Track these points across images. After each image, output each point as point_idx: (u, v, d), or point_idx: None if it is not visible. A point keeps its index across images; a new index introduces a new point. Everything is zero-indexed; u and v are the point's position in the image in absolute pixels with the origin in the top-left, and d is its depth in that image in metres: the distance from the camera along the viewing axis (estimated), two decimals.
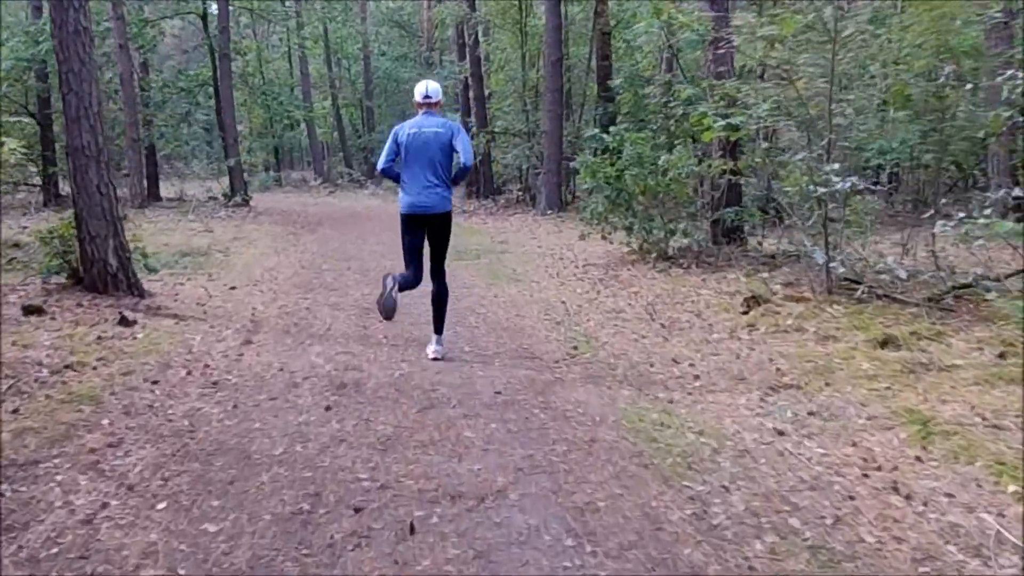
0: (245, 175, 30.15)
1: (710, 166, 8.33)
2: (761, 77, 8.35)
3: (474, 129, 17.76)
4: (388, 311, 4.77)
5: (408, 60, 31.45)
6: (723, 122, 7.47)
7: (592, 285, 7.58)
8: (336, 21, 25.85)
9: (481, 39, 18.54)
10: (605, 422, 3.87)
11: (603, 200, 8.54)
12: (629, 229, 8.56)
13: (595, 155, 9.49)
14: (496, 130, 17.81)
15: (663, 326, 5.80)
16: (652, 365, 4.85)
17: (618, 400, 4.21)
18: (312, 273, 8.80)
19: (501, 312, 6.50)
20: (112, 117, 17.03)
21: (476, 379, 4.57)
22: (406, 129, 4.78)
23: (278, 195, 25.37)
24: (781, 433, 3.65)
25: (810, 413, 3.90)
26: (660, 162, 8.00)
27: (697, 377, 4.57)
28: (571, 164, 8.95)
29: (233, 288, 7.44)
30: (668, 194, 8.56)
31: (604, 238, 8.92)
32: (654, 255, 8.47)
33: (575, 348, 5.29)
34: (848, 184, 5.89)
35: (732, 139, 8.18)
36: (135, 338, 5.28)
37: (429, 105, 4.84)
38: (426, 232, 4.90)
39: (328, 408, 4.07)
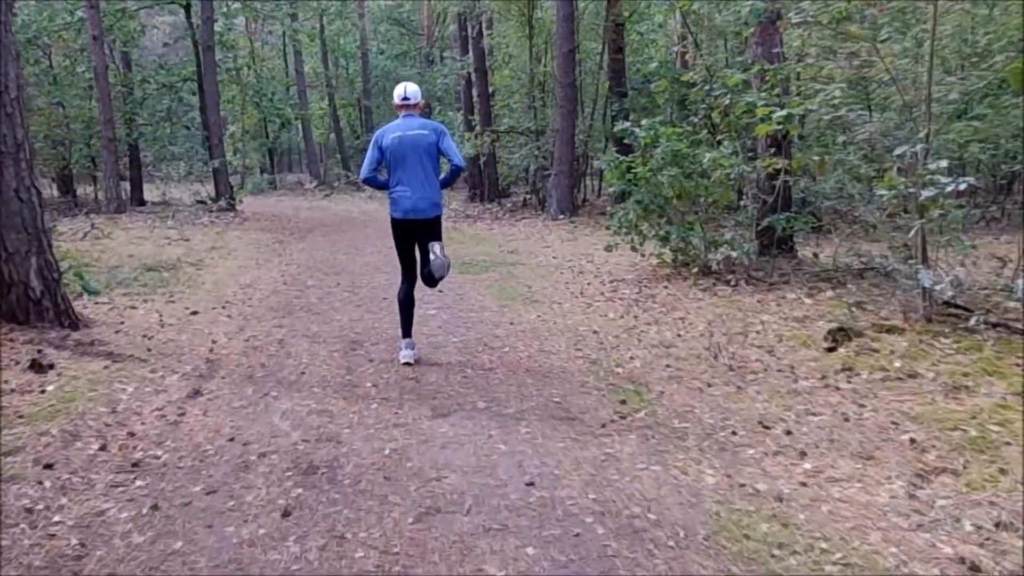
0: (237, 177, 29.19)
1: (757, 166, 7.09)
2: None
3: (478, 128, 16.51)
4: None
5: (408, 58, 30.24)
6: (782, 112, 6.22)
7: (626, 308, 6.32)
8: (330, 13, 24.56)
9: (485, 32, 17.29)
10: (694, 540, 2.61)
11: (634, 206, 7.27)
12: (664, 239, 7.30)
13: (624, 153, 8.25)
14: (501, 129, 16.54)
15: (731, 368, 4.54)
16: (734, 432, 3.59)
17: (702, 495, 2.95)
18: (294, 291, 7.54)
19: (521, 346, 5.23)
20: (88, 115, 15.81)
21: (498, 458, 3.30)
22: (388, 135, 4.60)
23: (271, 199, 24.17)
24: (975, 569, 2.39)
25: (997, 524, 2.65)
26: (705, 161, 6.74)
27: (803, 454, 3.31)
28: (594, 163, 7.62)
29: (195, 313, 6.18)
30: (709, 198, 7.31)
31: (635, 249, 7.66)
32: (695, 270, 7.21)
33: (623, 402, 4.03)
34: (963, 185, 4.63)
35: (786, 133, 6.95)
36: (44, 391, 4.02)
37: (409, 107, 4.68)
38: (417, 233, 4.74)
39: (286, 514, 2.80)
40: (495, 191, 17.32)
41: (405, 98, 4.69)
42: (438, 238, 4.72)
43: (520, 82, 17.33)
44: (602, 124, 16.90)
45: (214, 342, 5.26)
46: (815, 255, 7.71)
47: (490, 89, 17.45)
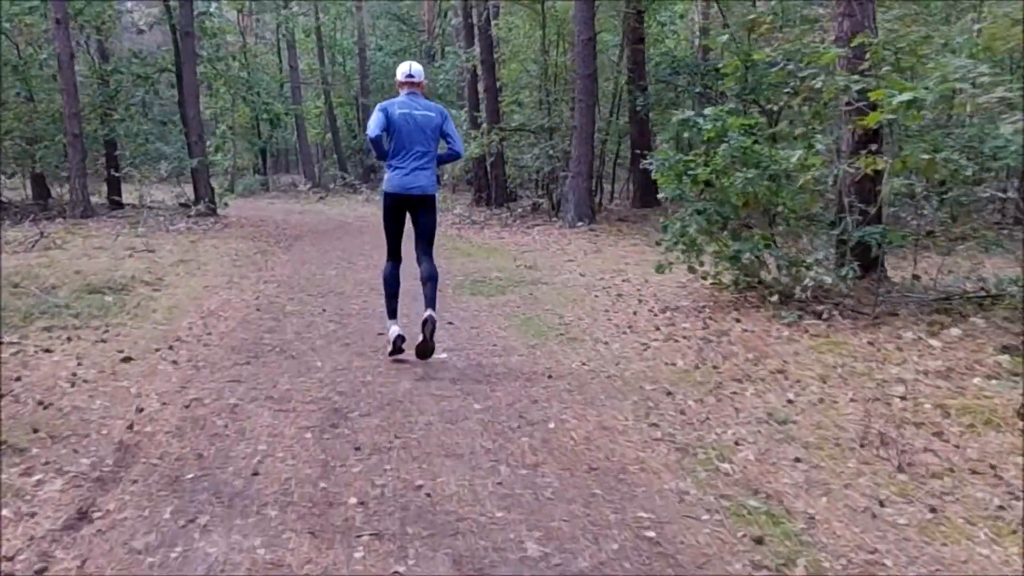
0: (227, 178, 27.69)
1: (848, 167, 5.60)
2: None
3: (484, 125, 15.02)
4: (397, 348, 4.69)
5: (407, 55, 28.72)
6: (904, 97, 4.74)
7: (697, 352, 4.81)
8: (326, 7, 23.07)
9: (493, 21, 15.80)
10: None
11: (695, 217, 5.77)
12: (734, 259, 5.80)
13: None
14: (512, 127, 15.05)
15: (899, 468, 3.03)
16: None
17: None
18: (268, 320, 6.05)
19: (571, 419, 3.72)
20: (56, 110, 14.28)
21: None
22: (397, 108, 4.58)
23: (261, 201, 22.69)
24: None
25: None
26: (793, 160, 5.25)
27: None
28: (645, 160, 6.13)
29: (127, 359, 4.65)
30: (789, 206, 5.83)
31: (693, 270, 6.17)
32: (773, 298, 5.72)
33: (758, 541, 2.52)
34: None
35: (888, 125, 5.47)
36: None
37: (413, 84, 4.70)
38: (410, 215, 4.78)
39: None
40: (503, 194, 15.82)
41: (410, 75, 4.69)
42: (433, 219, 4.79)
43: (531, 75, 15.84)
44: (616, 121, 15.43)
45: (139, 411, 3.74)
46: (914, 277, 6.22)
47: (498, 84, 15.96)
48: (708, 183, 5.97)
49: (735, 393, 4.01)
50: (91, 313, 5.82)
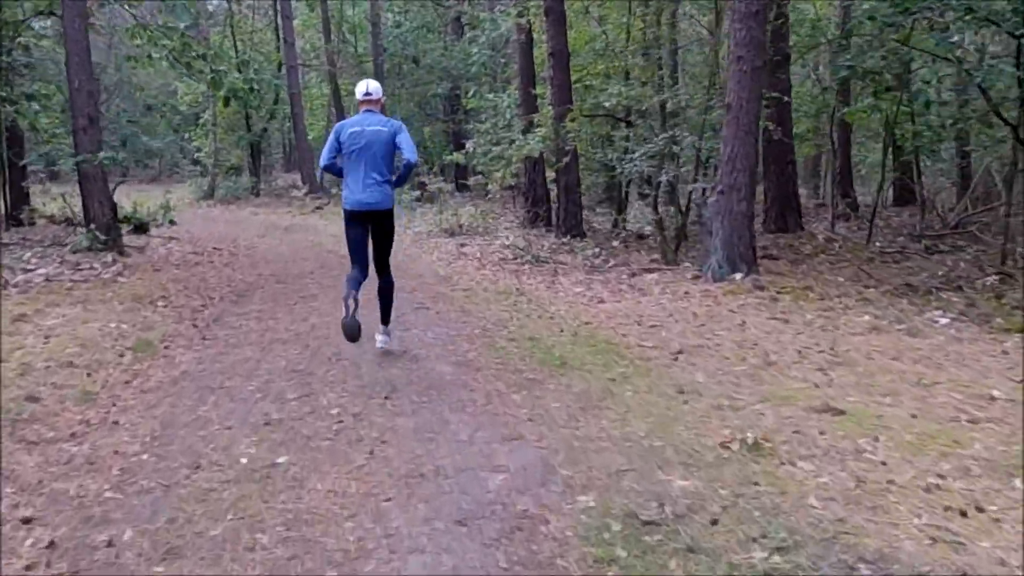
0: (209, 180, 22.44)
1: None
2: None
3: (547, 110, 9.80)
4: (352, 334, 4.53)
5: (430, 33, 23.51)
6: None
7: None
8: None
9: None
10: None
11: None
12: None
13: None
14: (596, 108, 9.78)
15: None
16: None
17: None
18: None
19: None
20: None
21: None
22: (348, 127, 4.76)
23: (243, 211, 17.67)
24: None
25: None
26: None
27: None
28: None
29: None
30: None
31: None
32: None
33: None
34: None
35: None
36: None
37: (370, 103, 4.85)
38: (370, 225, 4.80)
39: None
40: (575, 219, 10.47)
41: (368, 94, 4.85)
42: (391, 233, 4.89)
43: (618, 32, 10.60)
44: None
45: None
46: None
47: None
48: None
49: None
50: None
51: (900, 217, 13.17)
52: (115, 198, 11.67)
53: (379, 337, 4.93)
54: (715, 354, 4.81)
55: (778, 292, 6.60)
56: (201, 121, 22.86)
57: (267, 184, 23.54)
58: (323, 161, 4.80)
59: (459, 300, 6.69)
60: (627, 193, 10.51)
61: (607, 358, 4.75)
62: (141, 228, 11.19)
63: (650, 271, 7.83)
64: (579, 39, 11.76)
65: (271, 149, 29.84)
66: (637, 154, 8.03)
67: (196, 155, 24.18)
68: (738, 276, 6.90)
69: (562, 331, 5.51)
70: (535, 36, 11.67)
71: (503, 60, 17.90)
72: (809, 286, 6.87)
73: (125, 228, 11.26)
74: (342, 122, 4.87)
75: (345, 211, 4.78)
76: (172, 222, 11.54)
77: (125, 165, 36.49)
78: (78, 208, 9.17)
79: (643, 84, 9.16)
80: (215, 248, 10.28)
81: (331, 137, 4.79)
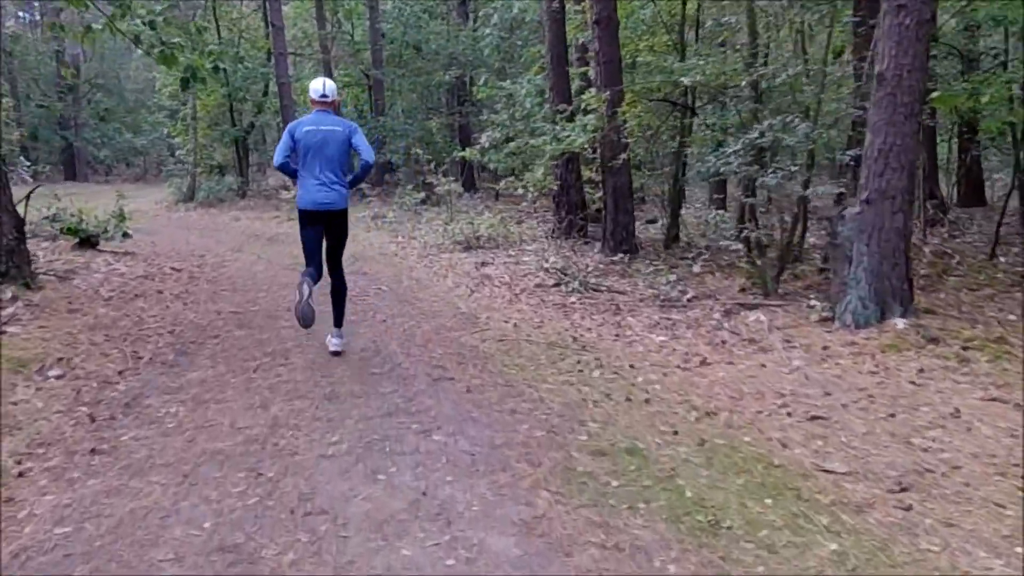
0: (189, 181, 20.17)
1: None
2: None
3: (592, 94, 7.69)
4: (306, 320, 4.43)
5: (432, 18, 21.33)
6: None
7: None
8: None
9: None
10: None
11: None
12: None
13: None
14: (658, 88, 7.62)
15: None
16: None
17: None
18: None
19: None
20: None
21: None
22: (303, 126, 4.67)
23: (224, 216, 15.53)
24: None
25: None
26: None
27: None
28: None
29: None
30: None
31: None
32: None
33: None
34: None
35: None
36: None
37: (325, 104, 4.76)
38: (324, 225, 4.71)
39: None
40: (626, 230, 8.29)
41: (323, 95, 4.73)
42: (344, 233, 4.80)
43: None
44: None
45: None
46: None
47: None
48: None
49: None
50: None
51: (975, 220, 11.26)
52: (64, 205, 9.70)
53: (332, 340, 4.86)
54: (954, 484, 2.72)
55: (963, 347, 4.50)
56: (181, 115, 20.70)
57: (255, 185, 21.42)
58: (277, 160, 4.71)
59: (496, 361, 4.60)
60: (666, 201, 8.38)
61: (783, 508, 2.66)
62: (87, 242, 9.11)
63: (748, 306, 5.72)
64: (622, 7, 9.64)
65: (264, 146, 27.65)
66: (731, 149, 5.87)
67: (178, 152, 22.05)
68: (895, 321, 4.80)
69: (676, 432, 3.42)
70: (566, 5, 9.56)
71: (519, 43, 15.76)
72: (1000, 335, 4.75)
73: (68, 242, 9.24)
74: (296, 121, 4.79)
75: (300, 211, 4.72)
76: (126, 235, 9.43)
77: (108, 164, 34.49)
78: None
79: (736, 51, 6.98)
80: (173, 268, 8.17)
81: (285, 136, 4.74)
